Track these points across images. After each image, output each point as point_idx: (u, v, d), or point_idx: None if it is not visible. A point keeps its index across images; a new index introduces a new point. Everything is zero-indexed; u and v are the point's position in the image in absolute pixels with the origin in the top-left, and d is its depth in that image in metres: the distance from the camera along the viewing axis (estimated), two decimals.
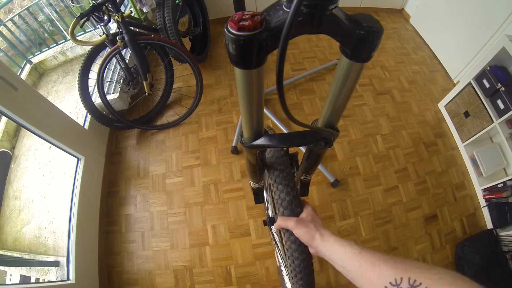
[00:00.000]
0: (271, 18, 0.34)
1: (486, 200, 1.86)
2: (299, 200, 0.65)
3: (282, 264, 1.26)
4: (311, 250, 0.60)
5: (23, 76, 2.66)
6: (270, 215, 1.14)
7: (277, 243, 1.29)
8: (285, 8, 0.34)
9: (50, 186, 2.02)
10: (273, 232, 1.34)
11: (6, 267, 1.74)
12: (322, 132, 0.53)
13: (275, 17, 0.34)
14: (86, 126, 1.95)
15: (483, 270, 1.63)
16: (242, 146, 0.58)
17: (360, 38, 0.35)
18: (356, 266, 0.46)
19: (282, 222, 0.63)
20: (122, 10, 1.61)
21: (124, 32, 1.61)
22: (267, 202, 1.17)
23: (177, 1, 2.13)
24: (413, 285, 0.35)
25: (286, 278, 1.23)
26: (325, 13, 0.33)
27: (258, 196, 0.86)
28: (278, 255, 1.33)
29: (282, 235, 0.66)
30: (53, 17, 2.76)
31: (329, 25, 0.35)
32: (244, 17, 0.31)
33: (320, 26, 0.35)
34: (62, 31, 2.82)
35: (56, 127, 1.62)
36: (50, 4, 2.70)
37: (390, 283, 0.38)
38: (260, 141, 0.53)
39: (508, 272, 1.63)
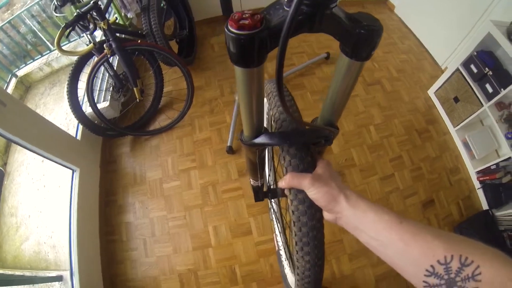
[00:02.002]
0: (271, 17, 0.34)
1: (480, 182, 1.90)
2: (312, 157, 0.52)
3: (282, 246, 1.26)
4: (328, 216, 0.48)
5: (9, 90, 2.62)
6: (272, 186, 1.14)
7: (278, 218, 1.30)
8: (285, 7, 0.34)
9: (46, 200, 2.00)
10: (273, 205, 1.35)
11: (8, 287, 1.71)
12: (322, 130, 0.53)
13: (275, 16, 0.34)
14: (79, 137, 1.92)
15: None
16: (242, 144, 0.57)
17: (360, 37, 0.35)
18: (395, 240, 0.37)
19: (294, 179, 0.48)
20: (107, 17, 1.59)
21: (110, 39, 1.59)
22: (269, 171, 1.17)
23: (162, 4, 2.12)
24: (464, 264, 0.30)
25: (286, 263, 1.23)
26: (325, 12, 0.34)
27: (258, 194, 0.85)
28: (277, 231, 1.32)
29: (287, 194, 0.53)
30: (35, 28, 2.71)
31: (329, 24, 0.35)
32: (244, 16, 0.31)
33: (320, 25, 0.35)
34: (46, 42, 2.77)
35: (48, 140, 1.60)
36: (33, 16, 2.65)
37: (439, 261, 0.32)
38: (260, 139, 0.52)
39: (507, 251, 1.66)
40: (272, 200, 1.32)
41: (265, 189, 0.94)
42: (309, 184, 0.46)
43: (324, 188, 0.46)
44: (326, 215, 0.48)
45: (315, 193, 0.46)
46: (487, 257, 0.30)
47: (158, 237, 1.79)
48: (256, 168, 0.76)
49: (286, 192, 0.53)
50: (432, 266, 0.32)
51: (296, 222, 0.51)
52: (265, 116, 0.60)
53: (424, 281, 0.33)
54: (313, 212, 0.50)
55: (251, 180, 0.87)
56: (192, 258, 1.71)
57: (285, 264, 1.23)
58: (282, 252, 1.30)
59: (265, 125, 0.55)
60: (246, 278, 1.63)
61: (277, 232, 1.35)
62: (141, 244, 1.78)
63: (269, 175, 1.16)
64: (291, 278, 0.96)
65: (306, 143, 0.52)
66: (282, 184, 0.51)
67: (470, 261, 0.30)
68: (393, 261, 0.39)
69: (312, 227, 0.50)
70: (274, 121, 0.56)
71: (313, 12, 0.33)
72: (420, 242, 0.35)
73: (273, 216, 1.37)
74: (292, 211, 0.51)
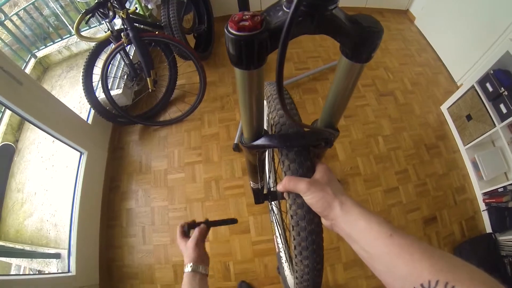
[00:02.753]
0: (271, 19, 0.34)
1: (486, 204, 1.87)
2: (311, 162, 0.51)
3: (282, 248, 1.26)
4: (325, 222, 0.47)
5: (28, 70, 2.68)
6: (272, 189, 1.14)
7: (278, 220, 1.29)
8: (285, 9, 0.34)
9: (53, 179, 2.05)
10: (273, 208, 1.34)
11: (8, 258, 1.76)
12: (322, 132, 0.52)
13: (275, 17, 0.34)
14: (90, 121, 1.97)
15: None
16: (242, 147, 0.57)
17: (360, 39, 0.35)
18: (383, 253, 0.36)
19: (290, 183, 0.48)
20: (127, 7, 1.62)
21: (129, 28, 1.62)
22: (269, 173, 1.17)
23: None
24: None
25: (286, 265, 1.23)
26: (325, 14, 0.33)
27: (258, 197, 0.84)
28: (278, 233, 1.32)
29: (286, 198, 0.53)
30: (58, 11, 2.77)
31: (329, 25, 0.35)
32: (244, 17, 0.31)
33: (320, 27, 0.35)
34: (67, 26, 2.83)
35: (60, 122, 1.64)
36: (60, 5, 2.71)
37: (422, 285, 0.31)
38: (260, 142, 0.52)
39: (507, 277, 1.63)
40: (273, 202, 1.32)
41: (265, 191, 0.93)
42: (305, 188, 0.46)
43: (320, 193, 0.45)
44: (323, 221, 0.47)
45: (310, 198, 0.45)
46: (467, 280, 0.29)
47: (157, 226, 1.81)
48: (256, 171, 0.76)
49: (285, 196, 0.52)
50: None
51: (295, 226, 0.50)
52: (265, 118, 0.60)
53: None
54: (311, 217, 0.49)
55: (251, 182, 0.86)
56: None
57: (285, 266, 1.23)
58: (282, 254, 1.30)
59: (265, 127, 0.55)
60: (239, 276, 1.64)
61: (277, 234, 1.35)
62: (140, 232, 1.80)
63: (269, 178, 1.16)
64: (290, 280, 0.95)
65: (306, 146, 0.52)
66: (279, 187, 0.51)
67: None
68: (381, 276, 0.37)
69: (311, 231, 0.49)
70: (274, 123, 0.55)
71: (312, 13, 0.33)
72: (406, 260, 0.34)
73: (274, 218, 1.37)
74: (291, 216, 0.51)
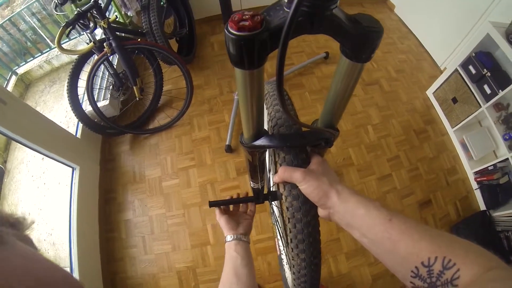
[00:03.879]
0: (272, 18, 0.34)
1: (478, 182, 1.92)
2: (306, 154, 0.52)
3: (283, 251, 1.27)
4: (322, 213, 0.47)
5: (9, 88, 2.62)
6: (272, 188, 1.14)
7: (279, 222, 1.30)
8: (285, 8, 0.34)
9: (46, 197, 2.01)
10: (274, 209, 1.34)
11: None
12: (322, 132, 0.52)
13: (276, 17, 0.34)
14: (78, 135, 1.94)
15: None
16: (243, 147, 0.56)
17: (360, 38, 0.35)
18: (383, 238, 0.37)
19: (286, 173, 0.48)
20: (107, 16, 1.60)
21: (111, 38, 1.60)
22: (269, 173, 1.16)
23: (162, 2, 2.12)
24: (446, 267, 0.31)
25: (286, 268, 1.23)
26: (325, 13, 0.33)
27: (258, 197, 0.84)
28: (279, 236, 1.33)
29: (282, 190, 0.52)
30: (35, 25, 2.72)
31: (329, 25, 0.35)
32: (244, 17, 0.31)
33: (320, 26, 0.35)
34: (46, 39, 2.78)
35: (48, 138, 1.61)
36: (33, 13, 2.66)
37: (422, 263, 0.32)
38: (261, 141, 0.51)
39: (503, 252, 1.68)
40: (273, 204, 1.32)
41: (265, 191, 0.93)
42: (300, 178, 0.46)
43: (315, 182, 0.45)
44: (320, 212, 0.48)
45: (306, 187, 0.46)
46: (469, 259, 0.30)
47: (157, 234, 1.80)
48: (257, 171, 0.76)
49: (281, 188, 0.53)
50: (416, 267, 0.33)
51: (290, 218, 0.50)
52: (265, 118, 0.60)
53: (411, 282, 0.34)
54: (307, 208, 0.49)
55: (251, 182, 0.85)
56: (190, 256, 1.72)
57: (286, 268, 1.23)
58: (283, 257, 1.30)
59: (265, 127, 0.55)
60: None
61: (278, 236, 1.35)
62: (140, 242, 1.79)
63: (269, 178, 1.16)
64: (291, 283, 0.96)
65: (306, 145, 0.52)
66: (275, 179, 0.51)
67: (452, 264, 0.30)
68: (384, 260, 0.39)
69: (307, 223, 0.49)
70: (273, 123, 0.55)
71: (313, 13, 0.33)
72: (406, 242, 0.35)
73: (275, 221, 1.37)
74: (287, 207, 0.51)
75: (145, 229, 1.83)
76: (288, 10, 0.32)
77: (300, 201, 0.49)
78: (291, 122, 0.52)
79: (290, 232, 0.51)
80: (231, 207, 0.82)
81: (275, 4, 0.36)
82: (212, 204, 0.77)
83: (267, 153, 1.02)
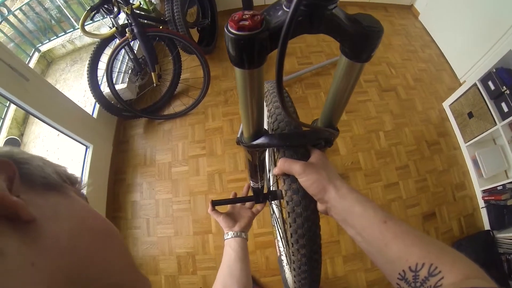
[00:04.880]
0: (271, 18, 0.34)
1: (485, 201, 1.89)
2: (306, 148, 0.52)
3: (283, 252, 1.28)
4: (319, 207, 0.48)
5: (32, 64, 2.70)
6: (272, 188, 1.14)
7: (279, 223, 1.31)
8: (285, 8, 0.34)
9: None
10: (275, 211, 1.35)
11: None
12: (322, 131, 0.52)
13: (275, 17, 0.34)
14: (95, 115, 1.99)
15: None
16: (242, 146, 0.56)
17: (360, 38, 0.35)
18: (377, 238, 0.39)
19: (285, 164, 0.48)
20: (131, 2, 1.63)
21: (133, 24, 1.63)
22: (268, 173, 1.17)
23: None
24: (431, 274, 0.32)
25: (287, 268, 1.24)
26: (325, 13, 0.33)
27: (258, 196, 0.84)
28: (279, 237, 1.34)
29: (282, 184, 0.53)
30: (60, 4, 2.78)
31: (329, 25, 0.35)
32: (244, 17, 0.31)
33: (320, 26, 0.35)
34: (70, 19, 2.84)
35: (66, 116, 1.67)
36: None
37: (410, 268, 0.34)
38: (260, 141, 0.51)
39: (503, 275, 1.66)
40: (274, 206, 1.33)
41: (265, 191, 0.93)
42: (300, 170, 0.46)
43: (314, 175, 0.46)
44: (318, 206, 0.48)
45: (305, 180, 0.46)
46: (455, 268, 0.32)
47: (162, 218, 1.85)
48: (256, 170, 0.76)
49: (280, 182, 0.53)
50: (404, 271, 0.34)
51: (290, 213, 0.50)
52: (265, 118, 0.61)
53: (397, 283, 0.36)
54: (307, 203, 0.49)
55: (251, 182, 0.86)
56: (191, 242, 1.77)
57: (286, 269, 1.24)
58: (283, 258, 1.31)
59: (265, 126, 0.54)
60: None
61: (278, 238, 1.36)
62: (144, 224, 1.85)
63: (269, 177, 1.16)
64: (292, 284, 0.98)
65: (306, 144, 0.52)
66: (275, 171, 0.52)
67: (437, 271, 0.32)
68: (375, 259, 0.40)
69: (307, 217, 0.49)
70: (273, 122, 0.55)
71: (312, 13, 0.33)
72: (398, 245, 0.36)
73: (275, 222, 1.38)
74: (287, 202, 0.51)
75: (151, 211, 1.88)
76: (287, 10, 0.32)
77: (300, 195, 0.49)
78: (291, 121, 0.52)
79: (290, 226, 0.51)
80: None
81: (275, 4, 0.36)
82: (215, 203, 0.79)
83: (267, 152, 1.03)
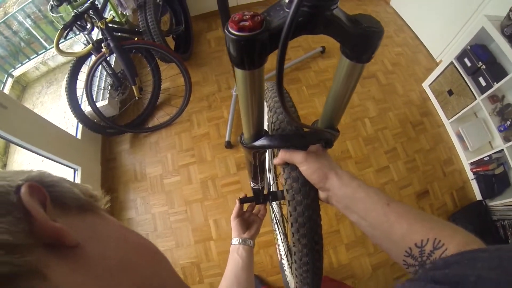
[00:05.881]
0: (272, 19, 0.33)
1: (474, 173, 1.95)
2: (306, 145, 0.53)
3: (283, 256, 1.28)
4: (321, 195, 0.49)
5: (6, 90, 2.63)
6: (272, 188, 1.14)
7: (279, 225, 1.31)
8: (285, 9, 0.34)
9: None
10: (275, 213, 1.35)
11: None
12: (322, 133, 0.52)
13: (276, 17, 0.33)
14: (79, 136, 1.95)
15: None
16: (243, 147, 0.56)
17: (361, 39, 0.35)
18: (381, 221, 0.40)
19: (286, 154, 0.49)
20: (104, 16, 1.60)
21: (109, 38, 1.60)
22: (269, 173, 1.17)
23: (158, 0, 2.11)
24: (436, 247, 0.34)
25: (288, 271, 1.24)
26: (325, 14, 0.33)
27: (258, 197, 0.83)
28: (280, 241, 1.34)
29: (282, 172, 0.53)
30: (29, 26, 2.70)
31: (329, 25, 0.34)
32: (244, 17, 0.30)
33: (321, 27, 0.34)
34: (39, 39, 2.77)
35: (50, 141, 1.63)
36: (28, 16, 2.64)
37: (416, 244, 0.35)
38: (261, 142, 0.51)
39: (500, 240, 1.73)
40: (274, 207, 1.33)
41: (265, 192, 0.93)
42: (301, 158, 0.47)
43: (316, 164, 0.46)
44: (320, 194, 0.49)
45: (306, 169, 0.47)
46: (456, 239, 0.34)
47: (160, 232, 1.83)
48: (257, 171, 0.76)
49: (281, 170, 0.54)
50: (410, 248, 0.36)
51: (290, 201, 0.50)
52: (265, 119, 0.61)
53: (403, 260, 0.37)
54: (307, 190, 0.49)
55: (251, 183, 0.85)
56: (194, 251, 1.75)
57: (288, 272, 1.24)
58: (284, 262, 1.31)
59: (265, 127, 0.54)
60: None
61: (279, 242, 1.36)
62: None
63: (269, 178, 1.16)
64: (294, 285, 0.98)
65: (307, 146, 0.52)
66: (276, 161, 0.52)
67: (441, 244, 0.34)
68: (380, 242, 0.42)
69: (307, 206, 0.49)
70: (274, 124, 0.55)
71: (313, 13, 0.33)
72: (402, 224, 0.38)
73: (275, 226, 1.38)
74: (286, 190, 0.51)
75: (148, 226, 1.85)
76: (288, 11, 0.31)
77: (300, 183, 0.49)
78: (291, 122, 0.52)
79: (290, 215, 0.51)
80: (245, 206, 0.84)
81: (276, 4, 0.35)
82: (243, 200, 0.81)
83: (267, 153, 1.03)
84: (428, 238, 0.35)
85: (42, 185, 0.24)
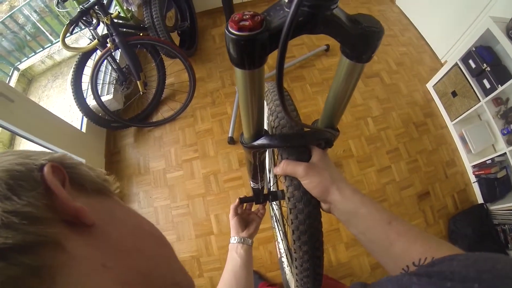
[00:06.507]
0: (272, 18, 0.33)
1: (476, 176, 1.94)
2: (307, 148, 0.53)
3: (283, 254, 1.29)
4: (323, 206, 0.49)
5: (12, 83, 2.65)
6: (272, 188, 1.14)
7: (279, 224, 1.32)
8: (285, 9, 0.34)
9: None
10: (275, 212, 1.36)
11: None
12: (322, 132, 0.52)
13: (276, 17, 0.33)
14: (83, 129, 1.97)
15: (475, 243, 1.72)
16: (243, 147, 0.55)
17: (361, 39, 0.35)
18: (381, 238, 0.40)
19: (288, 166, 0.48)
20: (109, 12, 1.61)
21: (114, 34, 1.62)
22: (269, 173, 1.18)
23: None
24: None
25: (287, 270, 1.25)
26: (325, 14, 0.33)
27: (258, 197, 0.83)
28: (280, 239, 1.35)
29: (283, 180, 0.52)
30: (34, 20, 2.72)
31: (329, 25, 0.34)
32: (244, 17, 0.30)
33: (321, 27, 0.34)
34: (45, 33, 2.79)
35: (54, 134, 1.65)
36: (34, 10, 2.66)
37: (413, 262, 0.36)
38: (261, 141, 0.51)
39: (500, 244, 1.73)
40: (274, 207, 1.34)
41: (265, 191, 0.93)
42: (303, 172, 0.47)
43: (317, 178, 0.46)
44: (322, 205, 0.49)
45: (308, 183, 0.46)
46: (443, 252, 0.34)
47: (162, 225, 1.85)
48: (257, 171, 0.76)
49: (282, 178, 0.53)
50: (407, 266, 0.36)
51: (292, 209, 0.50)
52: (265, 118, 0.61)
53: None
54: (309, 198, 0.49)
55: (251, 182, 0.85)
56: (195, 246, 1.78)
57: (287, 270, 1.24)
58: (284, 259, 1.31)
59: (265, 127, 0.54)
60: None
61: (279, 239, 1.36)
62: None
63: (269, 178, 1.16)
64: (294, 284, 0.98)
65: (307, 145, 0.53)
66: (277, 170, 0.51)
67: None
68: (377, 256, 0.42)
69: (308, 214, 0.49)
70: (274, 123, 0.55)
71: (313, 13, 0.32)
72: (402, 243, 0.38)
73: (275, 224, 1.39)
74: (288, 198, 0.50)
75: (150, 220, 1.77)
76: (288, 10, 0.31)
77: (301, 191, 0.49)
78: (291, 122, 0.52)
79: (292, 223, 0.51)
80: (244, 205, 0.85)
81: (276, 4, 0.35)
82: (243, 200, 0.82)
83: (267, 153, 1.02)
84: (426, 257, 0.35)
85: (62, 166, 0.25)
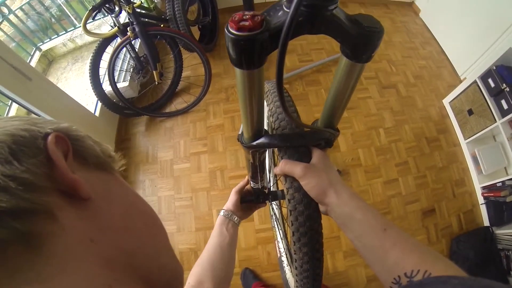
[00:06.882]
0: (272, 18, 0.33)
1: (485, 198, 1.90)
2: (307, 147, 0.52)
3: (283, 253, 1.29)
4: (320, 208, 0.48)
5: (33, 63, 2.72)
6: (272, 188, 1.14)
7: (279, 223, 1.32)
8: (285, 9, 0.33)
9: None
10: (275, 211, 1.36)
11: None
12: (322, 132, 0.52)
13: (276, 17, 0.33)
14: (97, 114, 2.01)
15: (477, 266, 1.68)
16: (242, 147, 0.55)
17: (361, 39, 0.35)
18: (376, 245, 0.40)
19: (287, 166, 0.48)
20: (133, 1, 1.64)
21: (135, 23, 1.64)
22: (269, 173, 1.18)
23: None
24: (424, 277, 0.34)
25: (287, 269, 1.25)
26: (325, 14, 0.33)
27: (258, 197, 0.83)
28: (279, 238, 1.35)
29: (283, 182, 0.52)
30: (60, 2, 2.78)
31: (329, 25, 0.34)
32: (244, 17, 0.30)
33: (321, 27, 0.34)
34: (70, 17, 2.85)
35: (69, 115, 1.69)
36: None
37: (405, 274, 0.35)
38: (260, 141, 0.51)
39: (502, 271, 1.68)
40: (274, 206, 1.34)
41: (265, 191, 0.93)
42: (301, 173, 0.46)
43: (315, 179, 0.46)
44: (319, 207, 0.48)
45: (305, 184, 0.46)
46: (447, 273, 0.33)
47: (164, 215, 1.87)
48: (257, 171, 0.75)
49: (282, 180, 0.53)
50: (399, 276, 0.35)
51: (292, 211, 0.50)
52: (265, 118, 0.61)
53: (390, 286, 0.37)
54: (309, 200, 0.49)
55: (251, 182, 0.85)
56: (194, 238, 1.79)
57: (287, 269, 1.24)
58: (283, 258, 1.31)
59: (265, 127, 0.54)
60: (243, 263, 1.71)
61: (279, 238, 1.36)
62: None
63: (269, 178, 1.16)
64: (293, 284, 0.98)
65: (307, 145, 0.52)
66: (276, 170, 0.51)
67: (428, 274, 0.33)
68: (371, 264, 0.41)
69: (308, 216, 0.48)
70: (273, 123, 0.55)
71: (313, 13, 0.33)
72: (397, 252, 0.37)
73: (275, 223, 1.39)
74: (288, 200, 0.50)
75: (153, 208, 1.89)
76: (288, 10, 0.31)
77: (302, 193, 0.49)
78: (291, 122, 0.52)
79: (292, 225, 0.51)
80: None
81: (275, 4, 0.35)
82: (243, 201, 0.82)
83: (267, 153, 1.01)
84: (419, 270, 0.34)
85: (67, 137, 0.26)
